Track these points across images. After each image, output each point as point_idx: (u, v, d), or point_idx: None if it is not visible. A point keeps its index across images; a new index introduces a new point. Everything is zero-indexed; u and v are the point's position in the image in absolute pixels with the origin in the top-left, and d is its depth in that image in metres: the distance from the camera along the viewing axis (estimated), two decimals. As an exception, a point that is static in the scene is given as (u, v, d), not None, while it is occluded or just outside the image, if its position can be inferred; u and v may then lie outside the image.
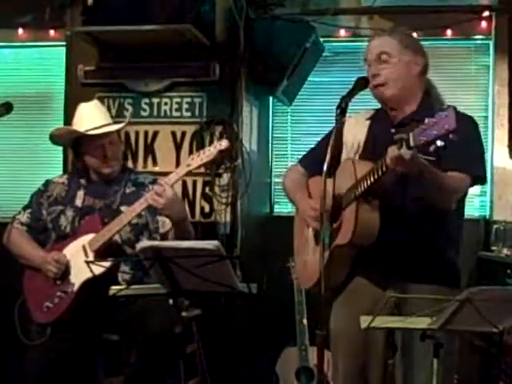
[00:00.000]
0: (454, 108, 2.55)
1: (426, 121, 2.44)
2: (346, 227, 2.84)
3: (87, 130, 3.75)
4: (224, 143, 3.55)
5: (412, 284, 2.95)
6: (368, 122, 3.14)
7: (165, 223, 3.74)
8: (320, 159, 2.80)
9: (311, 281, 3.01)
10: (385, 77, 3.02)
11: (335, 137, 2.75)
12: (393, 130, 2.97)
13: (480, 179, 2.98)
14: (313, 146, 3.34)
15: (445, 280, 2.98)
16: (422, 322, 2.71)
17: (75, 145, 3.85)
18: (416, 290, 2.93)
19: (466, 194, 3.04)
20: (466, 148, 2.66)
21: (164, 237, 3.73)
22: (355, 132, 3.11)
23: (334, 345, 3.11)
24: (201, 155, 3.55)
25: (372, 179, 2.75)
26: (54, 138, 3.89)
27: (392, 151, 2.59)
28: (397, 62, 3.02)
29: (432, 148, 2.49)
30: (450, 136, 2.43)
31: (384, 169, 2.67)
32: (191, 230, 3.76)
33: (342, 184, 2.86)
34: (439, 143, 2.44)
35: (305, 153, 3.37)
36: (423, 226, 2.93)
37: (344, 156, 3.08)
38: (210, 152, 3.54)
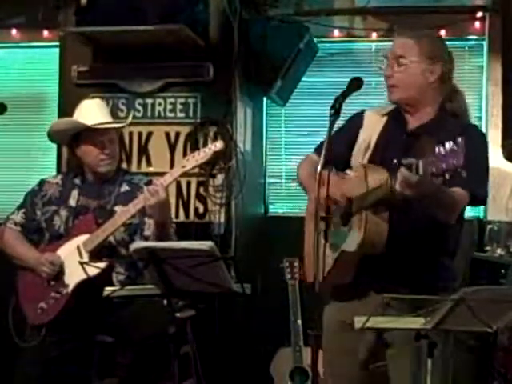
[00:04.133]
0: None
1: (437, 150, 2.46)
2: (354, 235, 2.86)
3: (93, 125, 3.75)
4: (219, 144, 3.56)
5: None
6: (384, 119, 3.11)
7: (150, 226, 3.73)
8: (335, 149, 2.85)
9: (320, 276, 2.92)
10: (397, 80, 3.01)
11: (327, 147, 2.73)
12: (404, 137, 2.99)
13: (481, 201, 3.01)
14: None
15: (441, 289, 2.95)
16: (415, 322, 2.72)
17: (73, 141, 3.84)
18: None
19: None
20: (473, 168, 2.64)
21: (147, 240, 3.72)
22: (369, 129, 3.09)
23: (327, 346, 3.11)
24: (196, 156, 3.55)
25: (381, 196, 2.78)
26: (53, 133, 3.86)
27: (401, 175, 2.63)
28: (412, 68, 3.00)
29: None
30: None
31: (393, 189, 2.71)
32: (173, 237, 3.75)
33: (354, 188, 2.85)
34: (447, 176, 2.50)
35: (320, 141, 3.26)
36: (424, 238, 2.94)
37: (355, 151, 3.08)
38: (204, 153, 3.54)
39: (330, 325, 3.05)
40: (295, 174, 3.29)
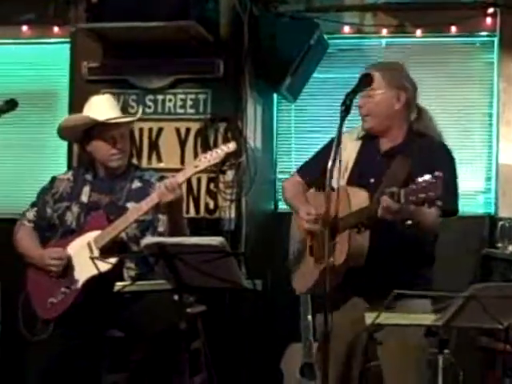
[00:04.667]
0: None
1: (418, 180, 2.80)
2: (339, 250, 3.11)
3: (104, 120, 3.74)
4: (231, 146, 3.57)
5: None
6: (359, 143, 3.41)
7: (164, 222, 3.74)
8: (318, 169, 3.32)
9: (305, 287, 3.42)
10: (367, 109, 3.32)
11: (337, 144, 2.95)
12: (379, 158, 3.33)
13: (453, 214, 3.26)
14: (311, 155, 3.61)
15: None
16: (426, 319, 2.73)
17: (84, 137, 3.84)
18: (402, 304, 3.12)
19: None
20: (446, 187, 2.88)
21: (161, 236, 3.71)
22: (347, 152, 3.35)
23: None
24: (208, 157, 3.55)
25: (364, 218, 3.12)
26: (64, 130, 3.86)
27: (384, 202, 2.94)
28: (379, 98, 3.30)
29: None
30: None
31: (374, 214, 3.03)
32: (187, 231, 3.75)
33: (339, 207, 3.03)
34: (426, 205, 2.84)
35: (303, 162, 3.67)
36: (401, 252, 3.23)
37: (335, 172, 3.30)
38: (217, 154, 3.54)
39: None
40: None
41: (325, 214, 2.95)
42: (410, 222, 3.03)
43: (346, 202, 3.16)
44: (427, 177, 2.79)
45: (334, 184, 3.23)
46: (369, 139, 3.39)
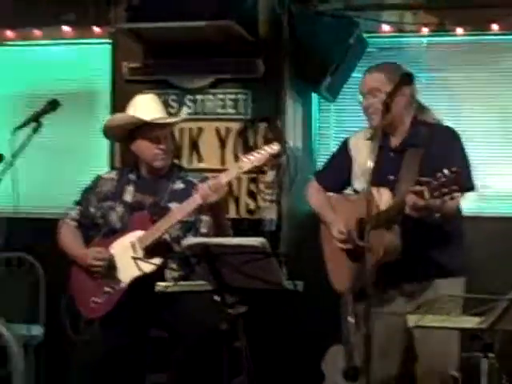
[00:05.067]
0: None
1: (438, 175, 2.95)
2: (375, 248, 3.26)
3: (151, 120, 3.77)
4: (275, 147, 3.57)
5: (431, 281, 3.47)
6: (369, 143, 3.54)
7: (207, 223, 3.76)
8: (335, 175, 3.68)
9: (343, 285, 3.60)
10: (374, 108, 3.48)
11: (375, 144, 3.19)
12: (391, 154, 3.51)
13: (472, 189, 3.41)
14: (327, 160, 3.84)
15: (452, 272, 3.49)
16: (470, 322, 2.71)
17: (128, 137, 3.86)
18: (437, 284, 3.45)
19: None
20: (462, 169, 3.09)
21: (203, 237, 3.72)
22: (360, 155, 3.57)
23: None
24: (252, 158, 3.56)
25: (392, 216, 3.30)
26: (109, 129, 3.89)
27: (410, 200, 3.12)
28: (385, 96, 3.38)
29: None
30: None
31: (402, 211, 3.23)
32: (230, 232, 3.78)
33: (363, 209, 3.16)
34: (447, 198, 3.01)
35: (321, 167, 3.88)
36: (430, 239, 3.44)
37: (354, 175, 3.61)
38: (261, 156, 3.55)
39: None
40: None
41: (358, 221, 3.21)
42: (437, 215, 3.20)
43: (373, 201, 3.28)
44: (446, 171, 2.94)
45: (357, 185, 3.57)
46: (378, 138, 3.44)
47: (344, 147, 3.74)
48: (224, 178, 3.57)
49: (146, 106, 3.84)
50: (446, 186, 2.94)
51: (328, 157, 3.91)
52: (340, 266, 3.57)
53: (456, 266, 3.49)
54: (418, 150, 3.39)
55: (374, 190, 3.32)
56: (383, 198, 3.36)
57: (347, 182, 3.69)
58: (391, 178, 3.42)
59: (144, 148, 3.80)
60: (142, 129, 3.79)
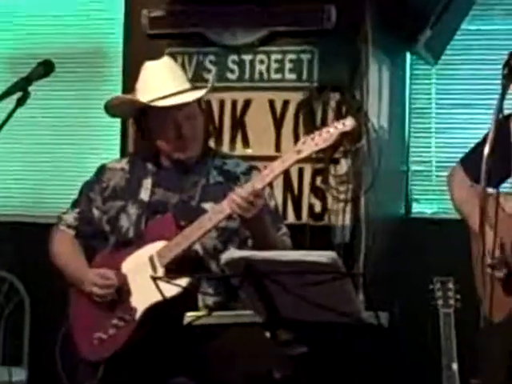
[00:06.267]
0: None
1: None
2: None
3: (153, 100, 3.78)
4: (349, 123, 3.54)
5: None
6: None
7: None
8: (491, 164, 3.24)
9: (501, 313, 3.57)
10: None
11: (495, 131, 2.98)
12: None
13: None
14: (479, 140, 3.69)
15: None
16: None
17: (140, 118, 3.90)
18: None
19: None
20: None
21: (250, 249, 3.73)
22: None
23: None
24: (316, 139, 3.53)
25: None
26: (112, 110, 3.94)
27: None
28: None
29: None
30: None
31: None
32: (287, 243, 3.80)
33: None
34: None
35: (470, 150, 3.83)
36: None
37: None
38: (328, 135, 3.53)
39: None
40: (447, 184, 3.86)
41: None
42: None
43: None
44: None
45: None
46: None
47: (506, 125, 3.59)
48: (278, 168, 3.56)
49: (152, 80, 3.84)
50: None
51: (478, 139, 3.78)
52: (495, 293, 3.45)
53: None
54: None
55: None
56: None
57: (508, 175, 3.64)
58: None
59: (159, 136, 3.82)
60: (150, 111, 3.81)
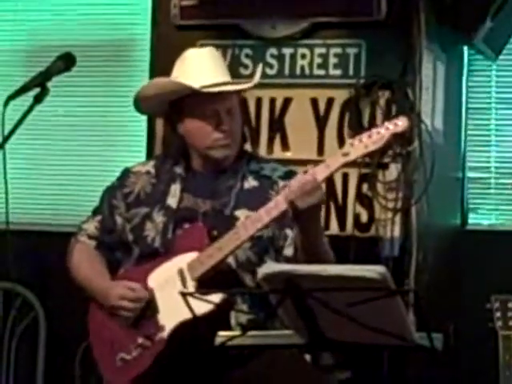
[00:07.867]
0: None
1: None
2: None
3: (202, 87, 3.79)
4: (402, 123, 3.55)
5: None
6: None
7: (294, 241, 3.76)
8: None
9: None
10: None
11: None
12: None
13: None
14: None
15: None
16: None
17: (173, 112, 3.90)
18: None
19: None
20: None
21: (288, 262, 3.72)
22: None
23: None
24: (365, 140, 3.54)
25: None
26: (143, 101, 3.94)
27: None
28: None
29: None
30: None
31: None
32: (330, 256, 3.77)
33: None
34: None
35: None
36: None
37: None
38: (379, 136, 3.54)
39: None
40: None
41: None
42: None
43: None
44: None
45: None
46: None
47: None
48: (323, 172, 3.56)
49: (198, 67, 3.86)
50: None
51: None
52: None
53: None
54: None
55: None
56: None
57: None
58: None
59: (196, 129, 3.84)
60: (192, 101, 3.82)
